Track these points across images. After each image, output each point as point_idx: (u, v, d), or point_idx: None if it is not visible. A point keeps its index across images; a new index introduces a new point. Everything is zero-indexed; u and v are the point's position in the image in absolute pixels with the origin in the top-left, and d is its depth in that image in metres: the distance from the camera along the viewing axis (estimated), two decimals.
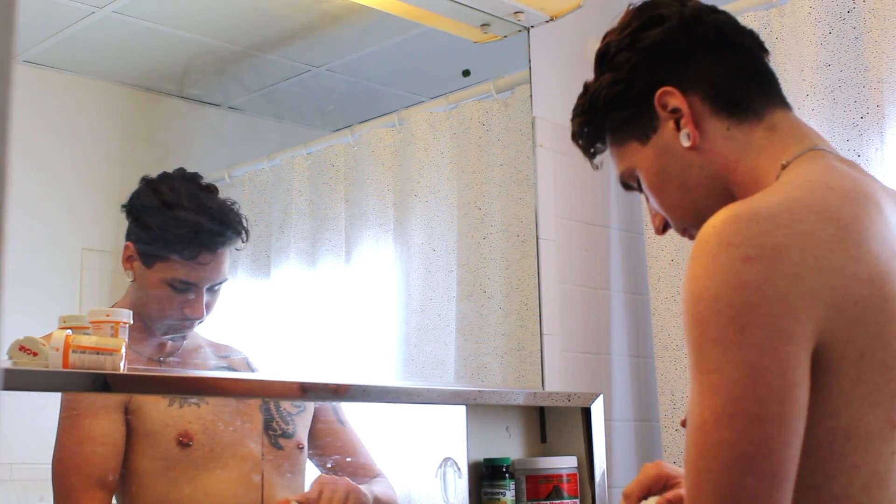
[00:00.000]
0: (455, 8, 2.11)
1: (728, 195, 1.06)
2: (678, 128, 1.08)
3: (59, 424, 1.47)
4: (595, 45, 1.17)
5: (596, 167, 1.22)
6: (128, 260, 1.61)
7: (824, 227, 0.89)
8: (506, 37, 2.24)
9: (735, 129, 1.06)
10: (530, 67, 2.25)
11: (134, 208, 1.63)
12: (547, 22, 2.21)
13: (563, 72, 2.32)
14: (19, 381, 1.27)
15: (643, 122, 1.10)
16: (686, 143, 1.07)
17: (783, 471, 0.84)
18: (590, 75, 1.18)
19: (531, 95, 2.24)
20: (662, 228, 1.17)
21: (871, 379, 0.88)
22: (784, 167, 1.01)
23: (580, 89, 1.19)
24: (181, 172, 1.68)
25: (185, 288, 1.61)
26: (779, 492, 0.83)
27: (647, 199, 1.16)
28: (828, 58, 2.00)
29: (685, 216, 1.11)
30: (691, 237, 1.13)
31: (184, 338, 1.66)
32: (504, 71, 2.28)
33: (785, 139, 1.05)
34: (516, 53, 2.25)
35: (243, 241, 1.71)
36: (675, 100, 1.07)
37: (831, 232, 0.89)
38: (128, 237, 1.61)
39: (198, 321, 1.64)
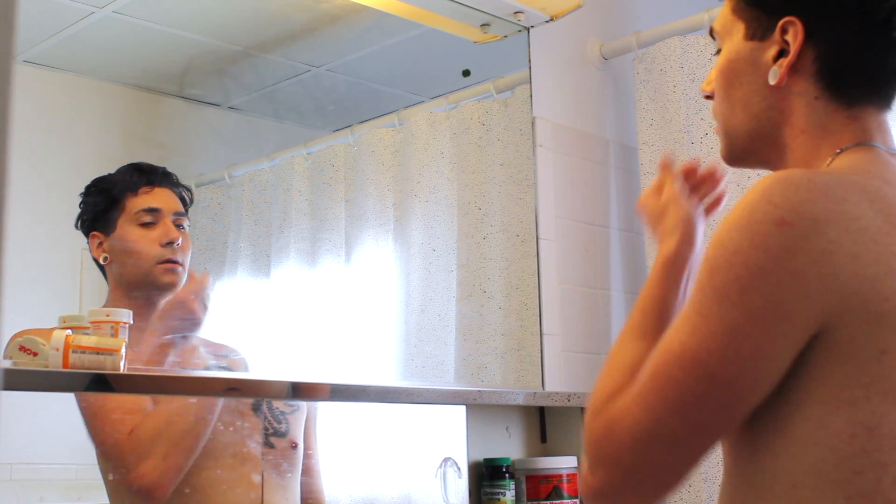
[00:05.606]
0: (455, 8, 2.11)
1: (772, 146, 1.05)
2: (776, 60, 1.03)
3: (90, 411, 1.49)
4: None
5: (715, 39, 1.15)
6: (98, 247, 1.65)
7: (874, 216, 0.87)
8: (506, 37, 2.24)
9: (822, 101, 1.02)
10: (530, 67, 2.25)
11: (84, 205, 1.68)
12: (547, 22, 2.21)
13: (563, 72, 2.31)
14: (19, 381, 1.28)
15: (760, 26, 1.05)
16: (772, 81, 1.03)
17: (710, 430, 0.87)
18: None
19: (531, 95, 2.23)
20: (709, 96, 1.13)
21: (893, 377, 0.86)
22: (838, 154, 0.99)
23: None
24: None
25: (151, 218, 1.67)
26: (696, 441, 0.87)
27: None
28: None
29: (722, 122, 1.09)
30: (717, 132, 1.12)
31: (173, 286, 1.68)
32: (504, 71, 2.28)
33: (857, 130, 1.02)
34: (516, 53, 2.25)
35: (187, 196, 1.75)
36: (794, 37, 1.02)
37: (879, 224, 0.87)
38: (88, 233, 1.66)
39: (176, 244, 1.67)
